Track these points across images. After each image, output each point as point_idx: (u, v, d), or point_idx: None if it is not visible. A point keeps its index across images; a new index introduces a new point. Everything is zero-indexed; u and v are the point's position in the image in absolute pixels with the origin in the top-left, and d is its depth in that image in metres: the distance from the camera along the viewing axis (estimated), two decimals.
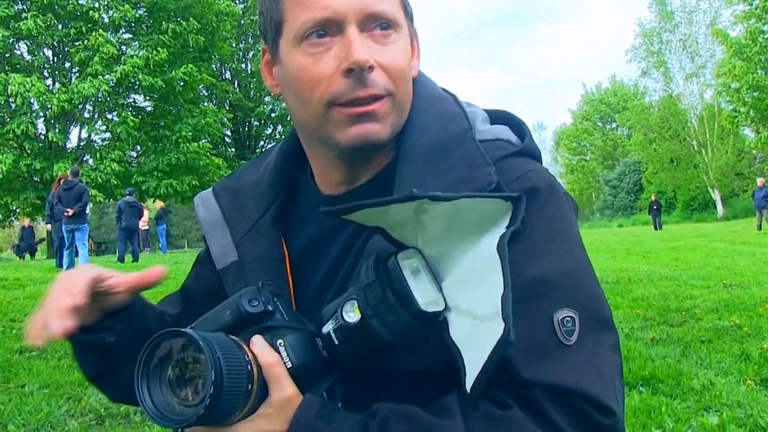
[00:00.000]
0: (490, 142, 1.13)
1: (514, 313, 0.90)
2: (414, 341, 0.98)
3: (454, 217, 0.94)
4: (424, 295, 0.96)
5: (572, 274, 1.04)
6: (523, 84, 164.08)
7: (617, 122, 64.44)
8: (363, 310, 0.96)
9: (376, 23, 1.07)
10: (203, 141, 31.96)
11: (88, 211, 15.04)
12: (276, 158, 1.27)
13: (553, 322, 1.00)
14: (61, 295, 1.04)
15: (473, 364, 0.91)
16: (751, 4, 32.70)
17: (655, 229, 30.98)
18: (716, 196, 44.13)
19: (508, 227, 0.94)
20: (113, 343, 1.14)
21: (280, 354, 0.99)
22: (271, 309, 1.04)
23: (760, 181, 25.87)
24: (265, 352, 0.97)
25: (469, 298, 0.95)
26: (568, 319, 1.01)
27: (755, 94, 31.95)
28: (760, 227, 23.30)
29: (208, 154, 31.81)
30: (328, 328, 1.01)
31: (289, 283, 1.17)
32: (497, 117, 1.23)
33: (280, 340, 1.01)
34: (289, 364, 1.00)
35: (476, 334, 0.91)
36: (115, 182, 28.12)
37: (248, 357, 0.95)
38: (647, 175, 50.62)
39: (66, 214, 13.79)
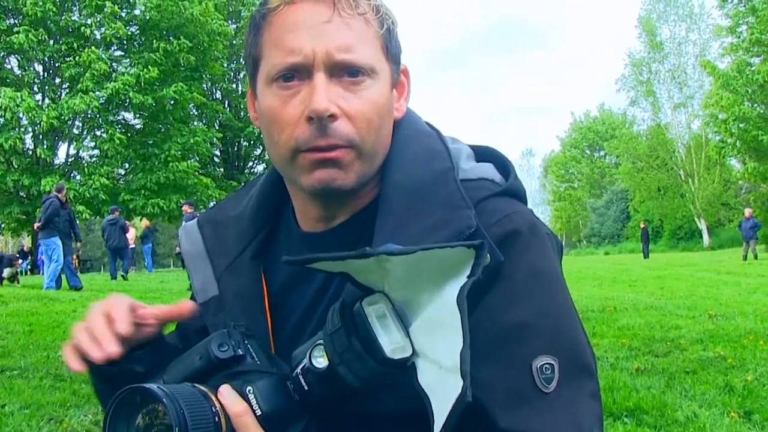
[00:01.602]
0: (473, 181, 1.10)
1: (494, 359, 0.94)
2: (383, 386, 0.97)
3: (416, 265, 0.91)
4: (391, 340, 0.94)
5: (553, 319, 1.02)
6: (513, 110, 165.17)
7: (605, 150, 64.78)
8: (330, 356, 0.96)
9: (344, 70, 1.04)
10: (192, 160, 31.93)
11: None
12: (258, 192, 1.25)
13: (532, 369, 0.97)
14: (107, 322, 1.05)
15: (441, 412, 0.89)
16: (739, 37, 33.09)
17: (645, 257, 31.05)
18: (702, 225, 44.40)
19: (469, 277, 0.89)
20: (142, 374, 1.10)
21: (249, 401, 0.98)
22: (241, 353, 1.04)
23: (747, 212, 26.04)
24: (233, 402, 0.94)
25: (433, 346, 0.92)
26: (547, 366, 0.98)
27: (741, 125, 32.22)
28: (745, 257, 23.28)
29: (196, 173, 31.78)
30: (297, 371, 1.00)
31: (267, 321, 1.15)
32: (482, 154, 1.19)
33: (249, 387, 0.99)
34: (259, 412, 0.98)
35: (443, 383, 0.89)
36: (103, 197, 28.00)
37: (215, 408, 0.94)
38: (634, 204, 50.88)
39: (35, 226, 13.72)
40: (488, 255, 0.91)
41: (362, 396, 0.97)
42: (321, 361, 0.96)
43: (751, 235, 24.55)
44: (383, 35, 1.08)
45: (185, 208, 16.54)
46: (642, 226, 35.75)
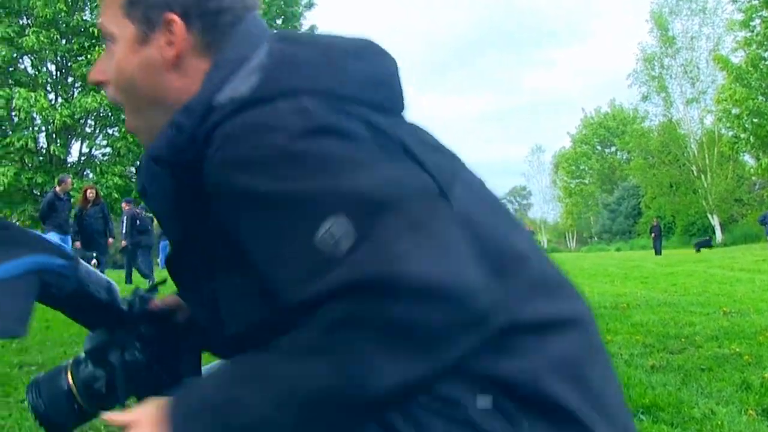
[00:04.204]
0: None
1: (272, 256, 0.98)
2: None
3: None
4: None
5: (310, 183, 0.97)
6: (522, 107, 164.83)
7: (616, 146, 64.54)
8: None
9: (104, 38, 1.20)
10: None
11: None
12: None
13: (315, 245, 0.93)
14: None
15: None
16: (753, 31, 32.85)
17: (657, 253, 30.59)
18: (715, 221, 44.10)
19: None
20: None
21: None
22: None
23: None
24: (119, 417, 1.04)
25: None
26: (333, 228, 0.93)
27: (755, 120, 32.00)
28: None
29: None
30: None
31: None
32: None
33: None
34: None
35: None
36: (116, 196, 28.07)
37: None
38: (646, 200, 50.61)
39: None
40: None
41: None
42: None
43: None
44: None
45: (124, 205, 15.95)
46: (654, 222, 35.50)
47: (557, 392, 1.03)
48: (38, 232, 1.16)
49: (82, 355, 1.24)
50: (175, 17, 1.13)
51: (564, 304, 1.14)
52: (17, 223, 30.73)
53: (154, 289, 1.38)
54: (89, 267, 1.25)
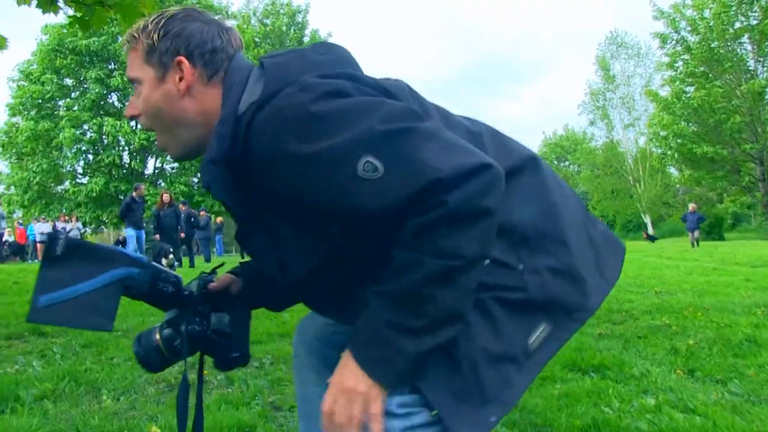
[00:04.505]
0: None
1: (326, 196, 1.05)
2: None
3: None
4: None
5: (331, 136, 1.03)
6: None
7: (569, 161, 64.37)
8: None
9: (132, 83, 1.28)
10: None
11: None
12: None
13: (357, 174, 1.00)
14: None
15: None
16: (676, 71, 32.77)
17: None
18: (647, 220, 44.01)
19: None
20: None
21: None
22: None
23: (691, 206, 24.66)
24: None
25: None
26: (366, 164, 1.00)
27: (679, 140, 31.93)
28: (693, 244, 21.67)
29: None
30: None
31: None
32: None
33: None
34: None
35: None
36: (182, 200, 28.22)
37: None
38: (593, 203, 50.45)
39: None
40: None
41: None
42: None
43: (695, 226, 23.27)
44: (144, 50, 1.23)
45: (181, 206, 15.22)
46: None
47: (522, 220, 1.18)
48: (120, 248, 1.25)
49: (165, 323, 1.38)
50: (183, 59, 1.21)
51: (517, 156, 1.27)
52: (106, 221, 30.85)
53: (213, 272, 1.49)
54: (160, 268, 1.33)
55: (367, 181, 0.99)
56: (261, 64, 1.18)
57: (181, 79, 1.21)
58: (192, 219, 15.92)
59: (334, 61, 1.19)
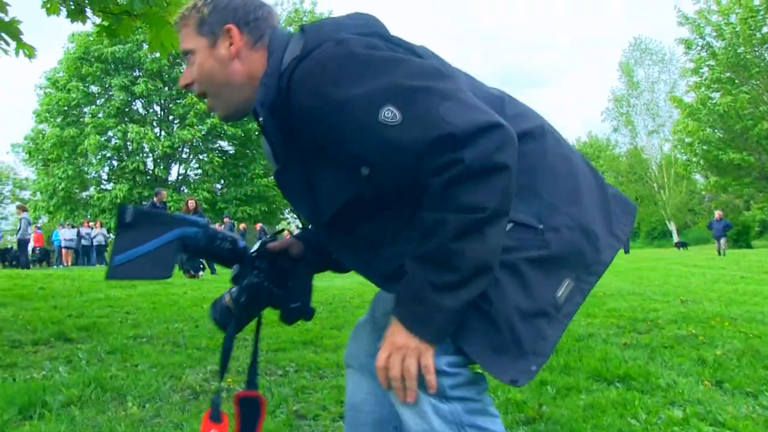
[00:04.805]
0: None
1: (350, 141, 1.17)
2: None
3: None
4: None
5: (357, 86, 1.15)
6: None
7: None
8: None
9: (185, 55, 1.41)
10: (272, 177, 32.18)
11: None
12: None
13: (379, 120, 1.12)
14: None
15: None
16: (701, 77, 32.35)
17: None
18: (672, 227, 43.49)
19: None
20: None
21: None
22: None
23: (717, 214, 24.36)
24: None
25: None
26: (386, 112, 1.12)
27: (704, 147, 31.46)
28: (719, 252, 21.42)
29: (275, 187, 32.08)
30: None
31: None
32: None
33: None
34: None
35: None
36: (205, 206, 28.41)
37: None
38: None
39: None
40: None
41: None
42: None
43: (722, 234, 22.86)
44: (195, 24, 1.38)
45: (191, 203, 14.16)
46: None
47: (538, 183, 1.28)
48: (181, 214, 1.50)
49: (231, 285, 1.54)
50: (232, 27, 1.37)
51: (529, 123, 1.36)
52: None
53: (274, 236, 1.64)
54: (217, 230, 1.50)
55: (387, 127, 1.11)
56: (301, 29, 1.32)
57: (230, 45, 1.36)
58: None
59: (367, 24, 1.33)
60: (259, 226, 26.06)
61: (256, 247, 1.55)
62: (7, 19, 5.09)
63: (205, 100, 1.43)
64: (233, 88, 1.37)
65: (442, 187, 1.08)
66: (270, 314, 1.60)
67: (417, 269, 1.14)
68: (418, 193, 1.13)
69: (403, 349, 1.17)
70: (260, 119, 1.28)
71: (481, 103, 1.15)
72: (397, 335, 1.17)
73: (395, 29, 1.36)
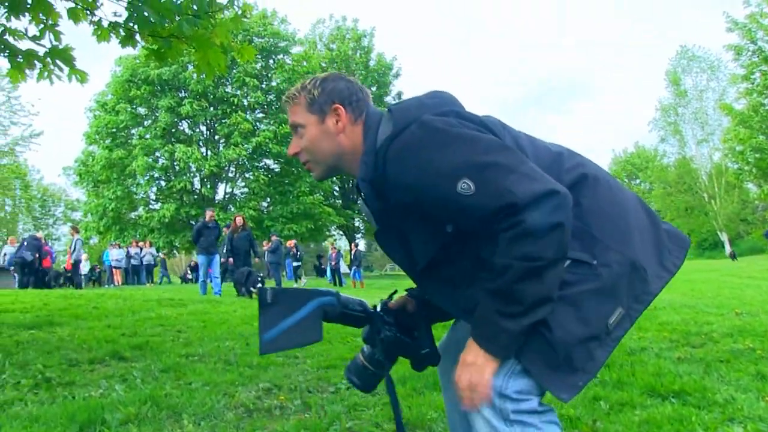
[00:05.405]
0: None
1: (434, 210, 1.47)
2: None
3: None
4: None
5: (439, 160, 1.41)
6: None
7: (640, 179, 62.52)
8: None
9: (294, 128, 1.70)
10: (317, 194, 32.41)
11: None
12: None
13: (457, 191, 1.38)
14: None
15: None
16: (753, 83, 31.45)
17: None
18: (724, 238, 42.19)
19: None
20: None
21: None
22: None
23: None
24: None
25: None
26: (463, 185, 1.37)
27: (757, 155, 30.48)
28: None
29: (321, 204, 32.25)
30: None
31: None
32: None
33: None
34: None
35: None
36: (252, 225, 28.77)
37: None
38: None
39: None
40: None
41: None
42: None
43: None
44: (306, 103, 1.67)
45: (238, 219, 14.06)
46: None
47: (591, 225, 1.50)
48: (312, 288, 1.71)
49: (363, 346, 1.72)
50: (339, 106, 1.65)
51: (585, 171, 1.59)
52: (178, 245, 31.72)
53: (390, 297, 1.81)
54: (347, 296, 1.69)
55: (464, 197, 1.36)
56: (389, 110, 1.59)
57: (338, 122, 1.64)
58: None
59: (443, 103, 1.58)
60: (292, 243, 25.95)
61: (378, 307, 1.74)
62: (61, 46, 5.27)
63: (306, 166, 1.72)
64: (337, 157, 1.65)
65: (509, 241, 1.33)
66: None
67: (488, 300, 1.39)
68: (491, 243, 1.38)
69: (470, 365, 1.42)
70: (362, 192, 1.56)
71: (540, 172, 1.39)
72: (469, 353, 1.43)
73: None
